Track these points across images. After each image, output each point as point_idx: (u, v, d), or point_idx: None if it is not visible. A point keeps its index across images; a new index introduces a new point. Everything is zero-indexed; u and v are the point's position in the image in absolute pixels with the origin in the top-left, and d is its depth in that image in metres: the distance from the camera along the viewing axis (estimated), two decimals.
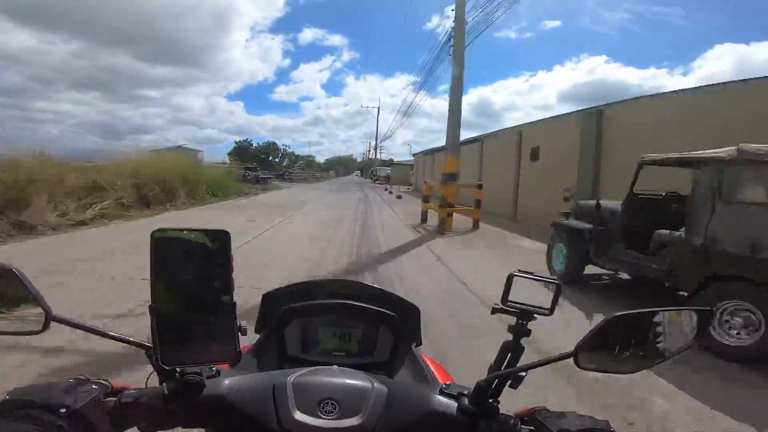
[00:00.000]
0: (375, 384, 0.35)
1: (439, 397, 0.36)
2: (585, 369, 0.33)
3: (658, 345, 0.35)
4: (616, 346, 0.34)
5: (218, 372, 0.35)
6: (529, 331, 0.40)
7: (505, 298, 0.41)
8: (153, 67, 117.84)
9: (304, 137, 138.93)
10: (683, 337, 0.35)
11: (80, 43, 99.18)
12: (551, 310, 0.40)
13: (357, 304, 0.56)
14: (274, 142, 64.66)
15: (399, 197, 13.10)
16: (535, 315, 0.40)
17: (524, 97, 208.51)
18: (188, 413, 0.33)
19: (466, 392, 0.36)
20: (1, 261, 0.32)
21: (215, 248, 0.32)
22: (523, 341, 0.39)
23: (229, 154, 63.88)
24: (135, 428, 0.33)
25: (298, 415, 0.32)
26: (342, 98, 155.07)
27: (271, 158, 62.63)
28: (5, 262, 0.32)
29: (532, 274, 0.41)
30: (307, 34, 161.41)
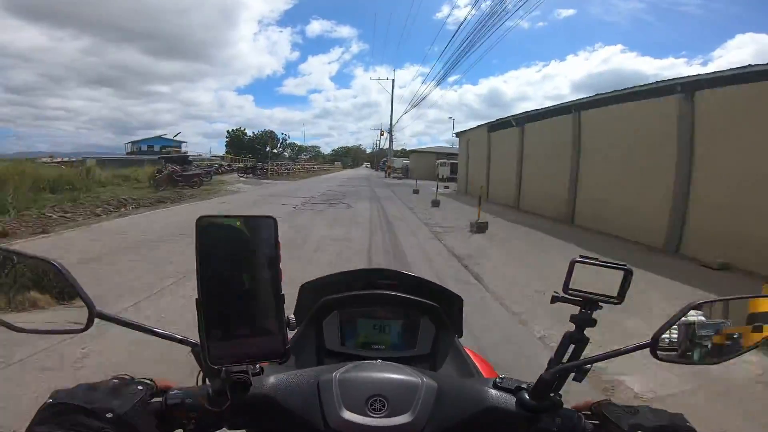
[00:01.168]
0: (424, 379, 0.35)
1: (494, 391, 0.36)
2: (663, 360, 0.34)
3: (741, 333, 0.35)
4: (696, 335, 0.34)
5: (262, 369, 0.34)
6: (595, 321, 0.39)
7: (566, 286, 0.39)
8: (162, 63, 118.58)
9: (313, 129, 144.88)
10: (764, 326, 0.34)
11: (89, 39, 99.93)
12: (621, 298, 0.38)
13: (397, 294, 0.57)
14: (272, 131, 61.43)
15: (436, 203, 8.53)
16: (601, 304, 0.39)
17: (536, 87, 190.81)
18: (234, 413, 0.32)
19: (524, 385, 0.36)
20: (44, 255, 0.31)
21: (262, 236, 0.31)
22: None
23: (226, 146, 62.92)
24: (180, 430, 0.32)
25: (346, 414, 0.32)
26: (351, 90, 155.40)
27: (268, 149, 60.82)
28: (48, 257, 0.32)
29: (596, 259, 0.40)
30: (315, 26, 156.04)
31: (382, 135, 29.92)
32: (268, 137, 61.24)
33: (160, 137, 45.51)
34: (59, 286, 0.32)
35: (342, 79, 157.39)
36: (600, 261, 0.39)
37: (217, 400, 0.31)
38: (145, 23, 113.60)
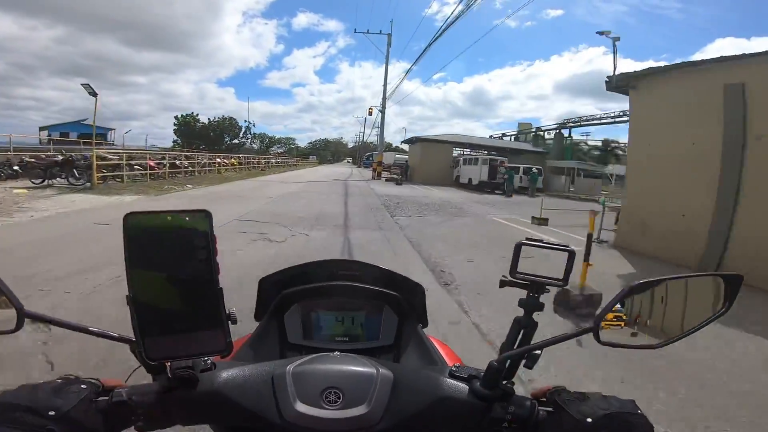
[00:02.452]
0: (380, 369, 0.42)
1: (449, 380, 0.43)
2: (605, 344, 0.40)
3: (685, 315, 0.41)
4: (638, 317, 0.41)
5: (213, 365, 0.41)
6: (542, 304, 0.45)
7: (513, 270, 0.46)
8: (141, 53, 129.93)
9: (296, 123, 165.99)
10: (711, 306, 0.41)
11: (64, 28, 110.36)
12: (565, 281, 0.45)
13: (358, 285, 0.68)
14: (232, 118, 60.53)
15: None
16: (547, 287, 0.45)
17: (520, 87, 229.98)
18: (184, 410, 0.39)
19: (477, 374, 0.43)
20: None
21: (196, 230, 0.36)
22: (535, 316, 0.44)
23: (175, 134, 62.01)
24: (132, 428, 0.38)
25: (300, 407, 0.38)
26: (335, 85, 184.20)
27: (228, 139, 58.56)
28: None
29: (540, 241, 0.47)
30: (302, 19, 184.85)
31: (371, 113, 25.27)
32: (228, 125, 61.32)
33: (79, 123, 43.82)
34: None
35: (327, 73, 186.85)
36: (545, 243, 0.47)
37: (163, 397, 0.38)
38: (125, 13, 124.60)
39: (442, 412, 0.41)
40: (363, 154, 58.57)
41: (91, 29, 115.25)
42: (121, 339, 0.39)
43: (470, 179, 19.10)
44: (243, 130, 65.65)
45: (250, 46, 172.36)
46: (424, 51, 18.87)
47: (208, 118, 57.96)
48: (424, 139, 24.71)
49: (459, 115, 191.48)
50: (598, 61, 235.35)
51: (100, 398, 0.37)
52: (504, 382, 0.42)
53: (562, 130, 29.53)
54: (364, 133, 66.04)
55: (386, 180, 21.43)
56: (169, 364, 0.37)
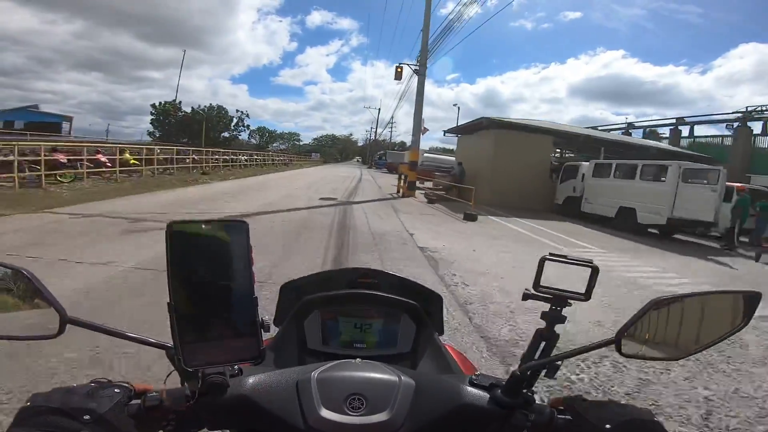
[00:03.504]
0: (402, 377, 0.51)
1: (469, 388, 0.52)
2: (627, 356, 0.50)
3: (703, 330, 0.50)
4: (658, 331, 0.50)
5: (240, 370, 0.50)
6: (564, 317, 0.55)
7: (537, 283, 0.56)
8: (156, 48, 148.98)
9: (307, 121, 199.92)
10: (729, 322, 0.50)
11: (82, 23, 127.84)
12: (587, 295, 0.55)
13: (377, 293, 0.83)
14: (221, 107, 62.42)
15: None
16: (570, 301, 0.55)
17: (533, 89, 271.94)
18: (212, 415, 0.47)
19: (497, 382, 0.52)
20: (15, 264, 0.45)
21: (233, 240, 0.44)
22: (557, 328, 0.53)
23: (152, 125, 63.16)
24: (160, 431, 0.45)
25: (324, 413, 0.47)
26: (347, 84, 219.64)
27: (215, 133, 59.23)
28: (18, 265, 0.47)
29: (565, 257, 0.57)
30: (316, 17, 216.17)
31: (399, 75, 16.12)
32: (216, 115, 62.25)
33: (26, 109, 44.95)
34: (30, 293, 0.46)
35: (339, 72, 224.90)
36: (568, 258, 0.57)
37: (194, 401, 0.46)
38: (141, 8, 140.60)
39: (462, 419, 0.50)
40: (375, 153, 58.76)
41: (108, 24, 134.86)
42: (158, 345, 0.48)
43: (630, 210, 10.92)
44: (235, 121, 65.60)
45: (263, 44, 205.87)
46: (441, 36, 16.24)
47: (192, 107, 59.08)
48: (504, 123, 15.37)
49: (470, 117, 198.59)
50: (615, 64, 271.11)
51: (132, 402, 0.46)
52: (524, 391, 0.51)
53: (737, 125, 21.17)
54: (376, 132, 66.68)
55: (429, 202, 13.64)
56: (201, 369, 0.45)
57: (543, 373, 0.53)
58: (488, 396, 0.51)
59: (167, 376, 0.51)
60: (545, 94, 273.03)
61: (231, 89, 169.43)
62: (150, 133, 63.01)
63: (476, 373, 0.56)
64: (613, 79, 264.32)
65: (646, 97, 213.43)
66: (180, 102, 62.08)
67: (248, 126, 69.88)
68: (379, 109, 62.52)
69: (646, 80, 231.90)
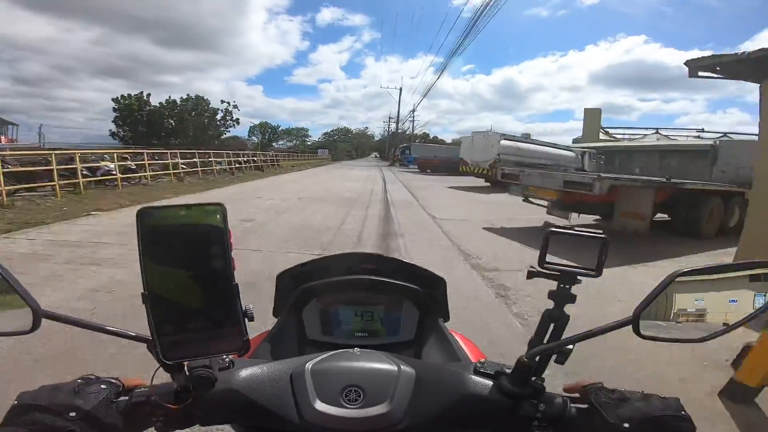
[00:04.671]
0: (402, 366, 0.58)
1: (474, 377, 0.59)
2: (646, 338, 0.53)
3: (729, 307, 0.54)
4: (680, 310, 0.54)
5: (232, 363, 0.57)
6: (574, 296, 0.61)
7: (542, 260, 0.62)
8: (173, 53, 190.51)
9: (324, 120, 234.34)
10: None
11: (99, 29, 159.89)
12: (598, 271, 0.60)
13: (378, 278, 0.96)
14: (200, 97, 63.10)
15: None
16: (579, 277, 0.61)
17: (552, 78, 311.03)
18: (202, 410, 0.54)
19: (505, 370, 0.58)
20: None
21: (210, 224, 0.50)
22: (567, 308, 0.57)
23: (115, 123, 62.47)
24: (152, 429, 0.53)
25: (320, 405, 0.54)
26: (361, 80, 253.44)
27: (195, 130, 59.97)
28: None
29: (572, 228, 0.63)
30: (326, 15, 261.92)
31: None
32: (192, 107, 60.51)
33: None
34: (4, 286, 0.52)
35: (352, 68, 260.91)
36: (576, 230, 0.62)
37: (182, 396, 0.53)
38: (155, 12, 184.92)
39: (467, 411, 0.56)
40: (395, 146, 57.79)
41: (124, 30, 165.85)
42: (137, 338, 0.55)
43: None
44: (220, 115, 65.25)
45: (276, 44, 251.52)
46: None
47: (160, 102, 59.32)
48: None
49: (488, 108, 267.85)
50: (637, 50, 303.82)
51: (120, 398, 0.54)
52: (533, 379, 0.56)
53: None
54: (395, 123, 66.82)
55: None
56: (186, 363, 0.52)
57: (553, 358, 0.59)
58: (493, 385, 0.58)
59: (155, 372, 0.55)
60: (564, 82, 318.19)
61: (247, 90, 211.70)
62: (114, 134, 62.61)
63: (482, 360, 0.62)
64: (637, 65, 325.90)
65: (672, 83, 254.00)
66: (149, 95, 61.58)
67: (237, 120, 69.87)
68: (401, 88, 62.31)
69: (671, 65, 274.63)
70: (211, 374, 0.54)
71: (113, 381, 0.55)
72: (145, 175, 16.16)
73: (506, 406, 0.56)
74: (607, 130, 27.96)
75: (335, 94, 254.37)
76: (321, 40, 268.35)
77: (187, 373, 0.53)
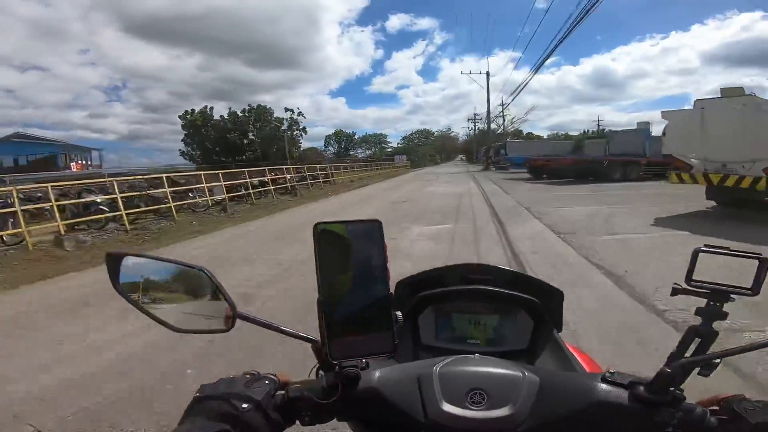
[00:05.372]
0: (526, 373, 0.62)
1: (605, 385, 0.60)
2: None
3: None
4: None
5: (367, 364, 0.65)
6: (725, 313, 0.66)
7: (689, 277, 0.69)
8: (264, 73, 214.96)
9: (406, 126, 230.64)
10: None
11: (201, 55, 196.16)
12: (755, 289, 0.64)
13: (495, 289, 1.03)
14: (262, 106, 60.97)
15: None
16: (732, 296, 0.66)
17: (655, 62, 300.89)
18: (344, 406, 0.63)
19: (639, 380, 0.60)
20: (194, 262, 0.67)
21: (370, 238, 0.59)
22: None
23: (184, 142, 62.07)
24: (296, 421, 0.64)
25: (446, 406, 0.59)
26: (439, 83, 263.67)
27: (257, 141, 59.30)
28: (196, 264, 0.67)
29: (728, 249, 0.68)
30: (395, 22, 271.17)
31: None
32: (255, 119, 58.04)
33: (18, 137, 46.91)
34: (208, 289, 0.67)
35: (429, 72, 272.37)
36: (730, 250, 0.67)
37: (330, 393, 0.61)
38: (243, 36, 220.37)
39: (594, 418, 0.59)
40: (491, 145, 48.05)
41: (221, 54, 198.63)
42: (306, 339, 0.67)
43: None
44: (285, 125, 60.88)
45: (352, 55, 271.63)
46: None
47: (221, 115, 57.36)
48: None
49: (580, 100, 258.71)
50: (756, 26, 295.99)
51: (278, 393, 0.63)
52: (671, 389, 0.58)
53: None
54: (487, 119, 56.11)
55: None
56: (338, 363, 0.61)
57: (695, 371, 0.63)
58: (628, 393, 0.59)
59: (312, 369, 0.69)
60: (672, 65, 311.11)
61: (331, 103, 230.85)
62: (183, 153, 60.48)
63: (611, 370, 0.64)
64: (759, 42, 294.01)
65: None
66: (212, 108, 58.26)
67: (304, 129, 62.94)
68: (488, 72, 57.95)
69: None
70: (359, 373, 0.62)
71: (272, 377, 0.65)
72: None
73: (640, 413, 0.58)
74: None
75: (414, 100, 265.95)
76: (394, 47, 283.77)
77: (340, 371, 0.61)
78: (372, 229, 0.59)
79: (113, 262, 0.67)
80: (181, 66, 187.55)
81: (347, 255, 0.58)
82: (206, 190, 16.04)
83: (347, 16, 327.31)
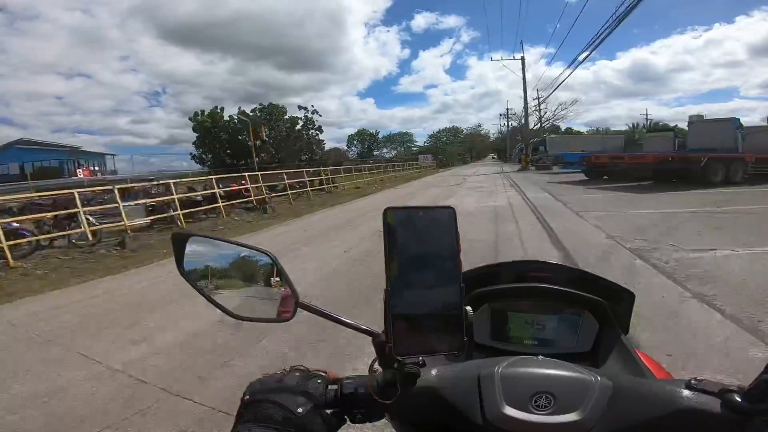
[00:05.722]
0: (598, 378, 0.59)
1: (690, 393, 0.57)
2: None
3: None
4: None
5: (424, 362, 0.59)
6: None
7: None
8: (292, 76, 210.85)
9: (435, 125, 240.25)
10: None
11: (233, 60, 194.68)
12: None
13: (556, 288, 1.00)
14: (274, 104, 59.61)
15: None
16: None
17: (698, 55, 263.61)
18: (398, 404, 0.59)
19: (731, 388, 0.56)
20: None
21: (444, 225, 0.56)
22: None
23: (195, 145, 58.66)
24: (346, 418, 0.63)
25: (507, 409, 0.56)
26: (467, 81, 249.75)
27: (268, 141, 54.79)
28: (263, 248, 0.67)
29: None
30: (420, 21, 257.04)
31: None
32: (270, 118, 53.79)
33: (35, 145, 44.28)
34: (272, 274, 0.67)
35: (456, 70, 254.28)
36: None
37: (387, 390, 0.58)
38: (271, 40, 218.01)
39: (680, 425, 0.55)
40: (529, 142, 46.28)
41: (251, 58, 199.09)
42: (366, 331, 0.62)
43: None
44: (300, 124, 56.06)
45: (378, 56, 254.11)
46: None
47: (230, 115, 55.07)
48: None
49: (619, 95, 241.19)
50: None
51: (330, 388, 0.62)
52: None
53: None
54: (525, 113, 51.19)
55: None
56: (399, 359, 0.58)
57: None
58: (720, 401, 0.56)
59: (372, 363, 0.62)
60: (716, 58, 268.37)
61: (360, 104, 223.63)
62: (194, 157, 56.62)
63: (697, 377, 0.61)
64: None
65: None
66: (222, 108, 53.83)
67: (320, 128, 57.76)
68: (522, 57, 52.71)
69: None
70: (419, 371, 0.58)
71: (322, 374, 0.64)
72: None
73: (732, 421, 0.55)
74: None
75: (443, 98, 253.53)
76: (420, 46, 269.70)
77: (399, 368, 0.58)
78: (445, 216, 0.56)
79: (179, 243, 0.68)
80: (215, 71, 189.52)
81: (418, 244, 0.55)
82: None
83: (372, 17, 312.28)
